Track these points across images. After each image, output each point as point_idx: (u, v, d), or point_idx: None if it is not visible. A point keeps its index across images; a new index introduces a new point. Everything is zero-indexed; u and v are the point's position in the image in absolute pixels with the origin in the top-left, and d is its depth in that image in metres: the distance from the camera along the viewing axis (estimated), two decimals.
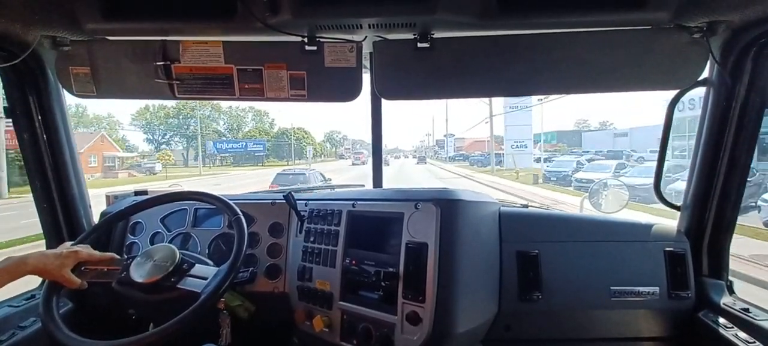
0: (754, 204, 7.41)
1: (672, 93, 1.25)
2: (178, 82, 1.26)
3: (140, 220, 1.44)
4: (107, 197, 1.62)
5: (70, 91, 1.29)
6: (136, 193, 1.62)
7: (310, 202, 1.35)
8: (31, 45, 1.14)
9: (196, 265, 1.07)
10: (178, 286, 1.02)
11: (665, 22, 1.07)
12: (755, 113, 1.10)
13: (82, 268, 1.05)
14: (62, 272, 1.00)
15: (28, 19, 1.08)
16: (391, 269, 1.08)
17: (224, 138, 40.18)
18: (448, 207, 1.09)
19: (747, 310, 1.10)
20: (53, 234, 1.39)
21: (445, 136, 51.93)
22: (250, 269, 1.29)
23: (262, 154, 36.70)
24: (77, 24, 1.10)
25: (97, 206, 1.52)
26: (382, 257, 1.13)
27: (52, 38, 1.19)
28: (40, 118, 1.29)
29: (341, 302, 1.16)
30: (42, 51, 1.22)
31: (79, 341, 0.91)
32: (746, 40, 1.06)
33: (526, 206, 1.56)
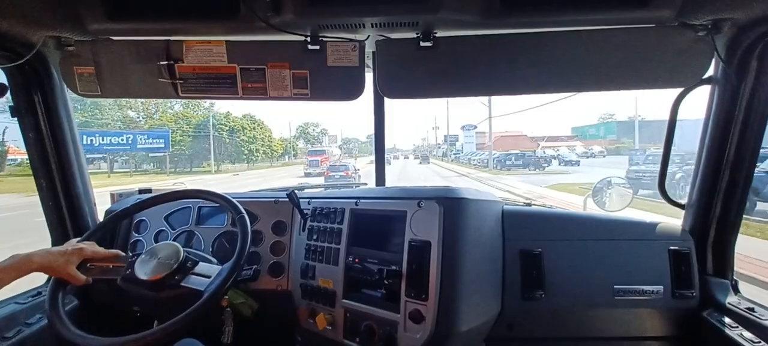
0: None
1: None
2: (181, 81, 1.27)
3: (144, 218, 1.45)
4: (112, 195, 1.63)
5: (75, 91, 1.30)
6: (141, 191, 1.63)
7: (313, 200, 1.35)
8: (36, 45, 1.15)
9: (200, 263, 1.08)
10: (182, 284, 1.02)
11: (669, 20, 1.06)
12: (760, 112, 1.09)
13: (88, 265, 1.06)
14: (67, 269, 1.01)
15: (33, 20, 1.08)
16: (394, 267, 1.09)
17: (138, 128, 26.09)
18: (451, 205, 1.08)
19: (752, 309, 1.09)
20: (59, 232, 1.40)
21: (464, 127, 37.00)
22: (254, 266, 1.30)
23: (162, 153, 23.81)
24: (82, 24, 1.11)
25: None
26: (385, 255, 1.13)
27: (57, 38, 1.20)
28: (45, 117, 1.30)
29: (344, 300, 1.16)
30: (47, 51, 1.23)
31: (85, 338, 0.92)
32: (751, 38, 1.05)
33: (529, 205, 1.56)
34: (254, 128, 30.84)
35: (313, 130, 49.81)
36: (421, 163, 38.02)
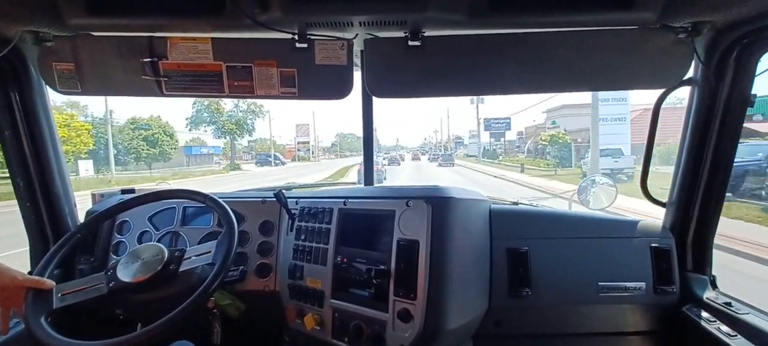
0: None
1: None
2: (165, 79, 1.24)
3: (127, 219, 1.42)
4: (93, 195, 1.59)
5: (54, 88, 1.26)
6: (123, 191, 1.59)
7: (300, 200, 1.34)
8: (13, 40, 1.11)
9: (187, 249, 1.08)
10: (180, 270, 1.01)
11: (651, 23, 1.08)
12: (738, 112, 1.13)
13: (59, 295, 0.98)
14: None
15: (9, 14, 1.04)
16: (382, 267, 1.08)
17: None
18: (439, 205, 1.09)
19: (729, 304, 1.13)
20: (37, 233, 1.36)
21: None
22: (240, 267, 1.28)
23: None
24: (61, 19, 1.07)
25: None
26: (373, 255, 1.13)
27: (35, 33, 1.15)
28: (22, 115, 1.26)
29: (332, 300, 1.16)
30: (24, 46, 1.19)
31: (65, 342, 0.89)
32: (729, 41, 1.08)
33: (516, 203, 1.58)
34: None
35: (239, 110, 29.89)
36: (439, 165, 28.08)
